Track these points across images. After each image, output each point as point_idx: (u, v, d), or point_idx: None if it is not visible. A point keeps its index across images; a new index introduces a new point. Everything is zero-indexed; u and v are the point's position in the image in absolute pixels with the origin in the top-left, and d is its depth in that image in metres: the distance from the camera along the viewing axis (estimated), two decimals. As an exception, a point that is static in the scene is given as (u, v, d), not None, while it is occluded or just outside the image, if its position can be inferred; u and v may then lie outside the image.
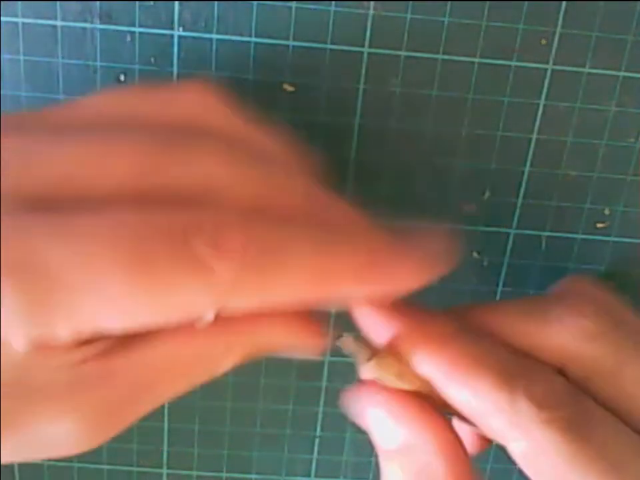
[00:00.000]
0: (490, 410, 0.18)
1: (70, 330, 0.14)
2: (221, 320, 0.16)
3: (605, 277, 0.27)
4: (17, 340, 0.14)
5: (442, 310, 0.21)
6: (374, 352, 0.19)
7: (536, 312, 0.20)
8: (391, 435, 0.20)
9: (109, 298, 0.14)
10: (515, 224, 0.27)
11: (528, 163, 0.26)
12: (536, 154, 0.26)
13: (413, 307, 0.20)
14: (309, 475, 0.30)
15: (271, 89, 0.24)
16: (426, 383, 0.19)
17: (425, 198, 0.26)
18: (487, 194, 0.26)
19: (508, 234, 0.27)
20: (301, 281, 0.16)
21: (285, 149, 0.19)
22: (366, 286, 0.17)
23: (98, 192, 0.15)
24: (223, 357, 0.17)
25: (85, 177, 0.15)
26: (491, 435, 0.19)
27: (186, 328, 0.16)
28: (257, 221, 0.16)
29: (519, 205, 0.26)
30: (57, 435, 0.16)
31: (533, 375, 0.19)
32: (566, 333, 0.19)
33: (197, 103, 0.18)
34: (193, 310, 0.15)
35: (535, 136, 0.25)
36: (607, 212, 0.27)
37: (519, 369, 0.19)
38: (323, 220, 0.17)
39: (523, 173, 0.26)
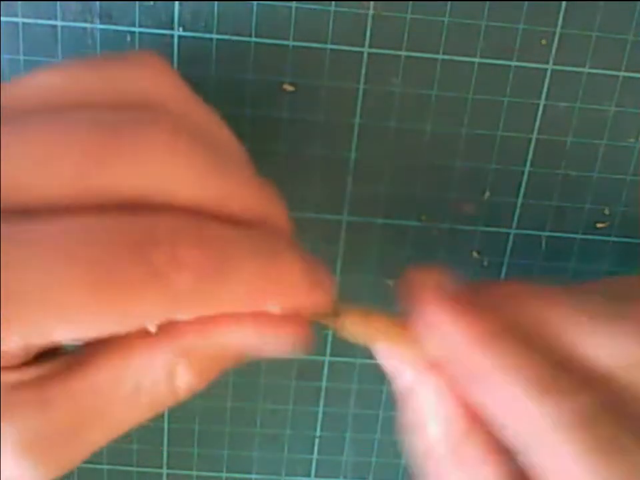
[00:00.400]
0: (515, 419, 0.18)
1: (21, 341, 0.14)
2: (165, 330, 0.16)
3: None
4: None
5: (500, 289, 0.20)
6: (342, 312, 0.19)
7: (603, 321, 0.18)
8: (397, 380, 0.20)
9: (63, 309, 0.14)
10: (515, 224, 0.27)
11: (528, 163, 0.26)
12: (536, 154, 0.26)
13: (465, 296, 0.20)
14: (308, 475, 0.31)
15: (271, 89, 0.24)
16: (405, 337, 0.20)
17: (425, 198, 0.26)
18: (487, 194, 0.26)
19: (508, 234, 0.27)
20: (244, 297, 0.16)
21: (234, 141, 0.18)
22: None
23: (46, 198, 0.14)
24: (174, 369, 0.17)
25: (31, 184, 0.14)
26: (510, 439, 0.19)
27: (127, 342, 0.16)
28: (209, 225, 0.16)
29: (518, 204, 0.26)
30: None
31: (564, 389, 0.18)
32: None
33: (147, 78, 0.17)
34: (148, 319, 0.15)
35: (534, 136, 0.25)
36: (607, 212, 0.27)
37: (554, 379, 0.18)
38: (264, 226, 0.17)
39: (522, 173, 0.26)
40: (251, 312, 0.17)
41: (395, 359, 0.20)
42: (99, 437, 0.16)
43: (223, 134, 0.18)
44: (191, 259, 0.15)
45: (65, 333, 0.14)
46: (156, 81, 0.17)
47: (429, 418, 0.20)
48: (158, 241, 0.14)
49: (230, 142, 0.18)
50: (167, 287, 0.14)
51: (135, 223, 0.15)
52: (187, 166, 0.16)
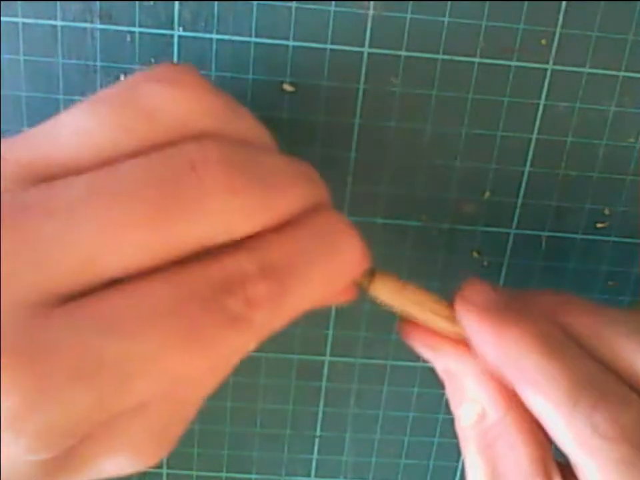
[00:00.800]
0: (552, 418, 0.18)
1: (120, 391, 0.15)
2: None
3: None
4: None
5: (542, 298, 0.21)
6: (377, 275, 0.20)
7: None
8: (435, 362, 0.21)
9: (159, 372, 0.15)
10: (515, 224, 0.27)
11: (528, 163, 0.26)
12: (536, 154, 0.26)
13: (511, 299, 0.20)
14: (309, 475, 0.30)
15: (271, 89, 0.24)
16: (445, 311, 0.20)
17: (425, 198, 0.26)
18: (487, 194, 0.26)
19: (508, 234, 0.27)
20: (317, 290, 0.17)
21: (265, 134, 0.19)
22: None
23: (118, 269, 0.15)
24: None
25: (104, 257, 0.15)
26: (553, 437, 0.19)
27: None
28: (269, 248, 0.16)
29: (518, 204, 0.26)
30: (116, 468, 0.16)
31: (606, 397, 0.18)
32: None
33: (184, 102, 0.16)
34: (237, 355, 0.17)
35: (534, 136, 0.25)
36: (607, 212, 0.27)
37: (595, 386, 0.18)
38: (316, 223, 0.18)
39: (522, 173, 0.26)
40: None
41: (431, 335, 0.20)
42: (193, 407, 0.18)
43: (260, 133, 0.18)
44: (262, 297, 0.16)
45: (157, 385, 0.15)
46: (194, 104, 0.17)
47: (467, 397, 0.20)
48: (229, 289, 0.15)
49: (260, 133, 0.18)
50: (248, 327, 0.16)
51: (203, 274, 0.16)
52: (244, 200, 0.16)
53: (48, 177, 0.15)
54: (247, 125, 0.18)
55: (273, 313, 0.16)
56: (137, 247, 0.15)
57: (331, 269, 0.18)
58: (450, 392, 0.21)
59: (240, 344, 0.16)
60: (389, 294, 0.20)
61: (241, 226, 0.16)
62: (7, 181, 0.15)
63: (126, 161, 0.16)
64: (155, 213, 0.15)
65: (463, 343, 0.20)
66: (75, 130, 0.16)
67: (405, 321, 0.21)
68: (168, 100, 0.16)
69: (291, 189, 0.17)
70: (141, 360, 0.14)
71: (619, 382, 0.18)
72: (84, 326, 0.14)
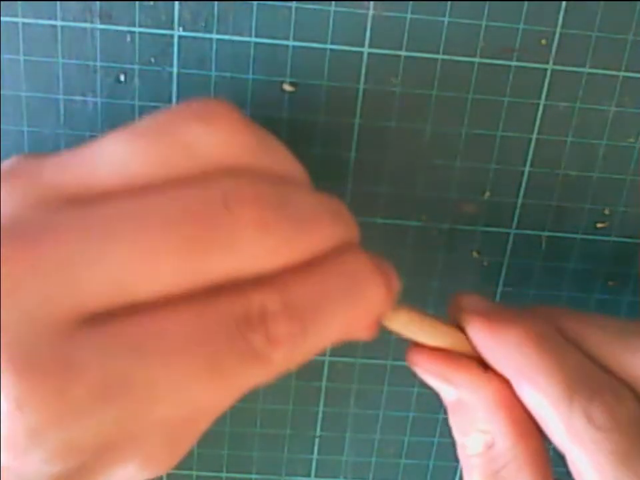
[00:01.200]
0: (549, 413, 0.18)
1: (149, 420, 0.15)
2: None
3: None
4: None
5: (536, 309, 0.22)
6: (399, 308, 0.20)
7: (631, 339, 0.20)
8: (444, 392, 0.21)
9: (184, 400, 0.15)
10: (515, 224, 0.27)
11: (528, 163, 0.26)
12: (536, 154, 0.26)
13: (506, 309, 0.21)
14: (309, 475, 0.30)
15: (271, 89, 0.24)
16: (459, 339, 0.20)
17: (425, 198, 0.26)
18: (487, 194, 0.26)
19: (508, 234, 0.27)
20: (338, 331, 0.18)
21: (300, 170, 0.19)
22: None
23: (148, 294, 0.15)
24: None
25: (134, 282, 0.15)
26: (548, 434, 0.19)
27: None
28: (295, 289, 0.17)
29: (518, 204, 0.26)
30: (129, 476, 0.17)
31: (601, 392, 0.18)
32: None
33: (221, 138, 0.17)
34: (251, 388, 0.17)
35: (534, 136, 0.25)
36: (607, 212, 0.27)
37: (591, 382, 0.19)
38: (344, 263, 0.18)
39: (522, 173, 0.26)
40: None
41: (444, 364, 0.20)
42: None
43: (294, 168, 0.19)
44: (283, 336, 0.16)
45: (178, 411, 0.16)
46: (230, 140, 0.17)
47: (476, 428, 0.20)
48: (252, 323, 0.16)
49: (293, 168, 0.19)
50: (269, 364, 0.16)
51: (228, 306, 0.16)
52: (274, 238, 0.16)
53: (81, 200, 0.16)
54: (281, 160, 0.18)
55: (293, 352, 0.16)
56: (167, 275, 0.15)
57: (354, 311, 0.18)
58: (456, 421, 0.21)
59: (257, 377, 0.16)
60: (403, 326, 0.20)
61: (269, 262, 0.16)
62: (40, 200, 0.15)
63: (161, 191, 0.16)
64: (187, 243, 0.15)
65: (475, 369, 0.20)
66: (112, 158, 0.16)
67: (416, 348, 0.21)
68: (205, 134, 0.17)
69: (320, 228, 0.17)
70: (165, 386, 0.15)
71: (612, 379, 0.19)
72: (111, 347, 0.14)
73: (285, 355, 0.16)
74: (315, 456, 0.30)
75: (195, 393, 0.15)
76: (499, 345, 0.19)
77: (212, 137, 0.17)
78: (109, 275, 0.15)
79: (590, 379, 0.19)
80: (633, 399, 0.19)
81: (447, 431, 0.30)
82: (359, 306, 0.18)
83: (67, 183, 0.16)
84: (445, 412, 0.21)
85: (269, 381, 0.17)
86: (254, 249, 0.16)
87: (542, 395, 0.18)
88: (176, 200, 0.16)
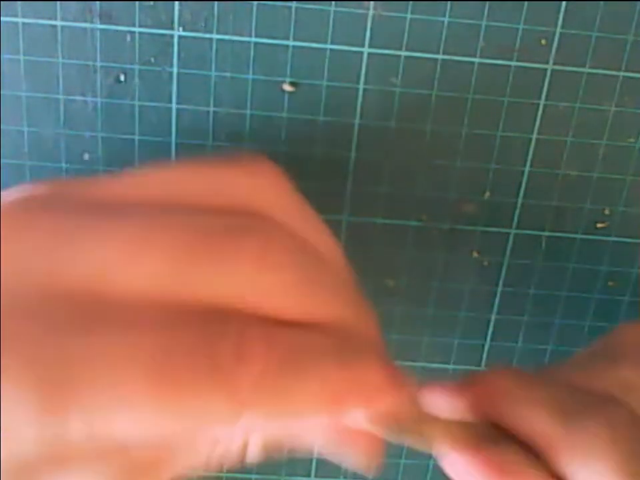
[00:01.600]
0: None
1: (84, 432, 0.14)
2: None
3: None
4: (27, 439, 0.14)
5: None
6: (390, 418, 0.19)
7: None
8: None
9: (128, 403, 0.14)
10: (515, 224, 0.27)
11: (528, 163, 0.26)
12: (536, 154, 0.26)
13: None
14: (309, 475, 0.30)
15: (271, 89, 0.24)
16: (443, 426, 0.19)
17: (425, 198, 0.26)
18: (487, 194, 0.26)
19: (508, 234, 0.27)
20: (321, 397, 0.16)
21: (334, 248, 0.18)
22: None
23: (126, 293, 0.15)
24: (248, 439, 0.17)
25: (116, 276, 0.15)
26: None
27: None
28: (280, 328, 0.16)
29: (518, 204, 0.26)
30: None
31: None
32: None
33: (253, 184, 0.17)
34: (212, 419, 0.15)
35: (534, 136, 0.25)
36: (607, 212, 0.27)
37: (579, 408, 0.19)
38: (349, 331, 0.17)
39: (522, 173, 0.26)
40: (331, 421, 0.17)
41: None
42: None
43: (324, 242, 0.18)
44: (255, 357, 0.15)
45: (126, 425, 0.14)
46: (260, 188, 0.17)
47: None
48: (224, 341, 0.15)
49: (329, 250, 0.18)
50: (232, 385, 0.14)
51: (204, 325, 0.15)
52: (273, 282, 0.16)
53: None
54: (313, 228, 0.18)
55: (262, 383, 0.15)
56: (150, 280, 0.15)
57: (348, 377, 0.17)
58: None
59: (213, 404, 0.15)
60: (437, 439, 0.19)
61: (263, 301, 0.16)
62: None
63: (174, 208, 0.16)
64: (182, 255, 0.15)
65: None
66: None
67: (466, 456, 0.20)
68: (241, 180, 0.17)
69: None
70: (104, 375, 0.14)
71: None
72: (62, 325, 0.14)
73: (254, 382, 0.15)
74: (315, 456, 0.30)
75: (140, 399, 0.14)
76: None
77: (245, 184, 0.17)
78: (94, 258, 0.14)
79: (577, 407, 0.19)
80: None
81: (447, 431, 0.30)
82: (350, 373, 0.17)
83: None
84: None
85: (230, 413, 0.15)
86: (247, 281, 0.15)
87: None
88: (183, 214, 0.16)
